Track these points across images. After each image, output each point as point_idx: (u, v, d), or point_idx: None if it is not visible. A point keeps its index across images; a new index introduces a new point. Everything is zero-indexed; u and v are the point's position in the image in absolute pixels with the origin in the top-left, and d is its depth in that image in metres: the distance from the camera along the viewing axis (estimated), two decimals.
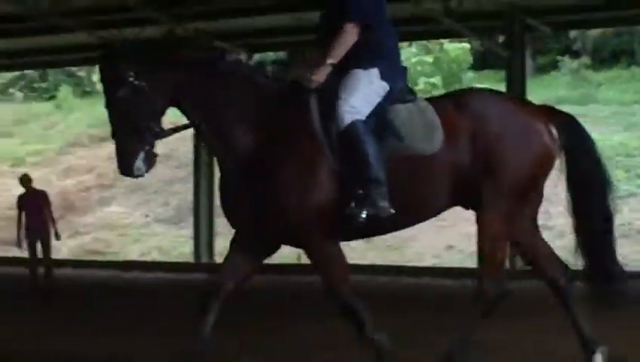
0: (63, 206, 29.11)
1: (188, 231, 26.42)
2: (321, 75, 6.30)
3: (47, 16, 21.17)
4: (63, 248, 24.77)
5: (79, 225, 30.68)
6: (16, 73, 40.34)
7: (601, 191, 6.76)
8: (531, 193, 6.63)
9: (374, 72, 6.32)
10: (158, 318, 11.95)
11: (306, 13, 18.54)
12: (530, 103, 7.47)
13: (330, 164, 6.22)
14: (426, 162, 6.36)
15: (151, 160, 6.38)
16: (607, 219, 6.74)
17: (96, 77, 38.75)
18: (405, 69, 6.70)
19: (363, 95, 6.26)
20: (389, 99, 6.39)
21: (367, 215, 6.08)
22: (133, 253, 29.06)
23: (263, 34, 22.63)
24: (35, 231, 15.35)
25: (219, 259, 20.55)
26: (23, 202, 15.66)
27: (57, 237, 15.66)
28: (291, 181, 6.19)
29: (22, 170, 21.91)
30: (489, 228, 6.48)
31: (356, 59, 6.32)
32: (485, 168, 6.42)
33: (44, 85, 43.51)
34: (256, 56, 24.28)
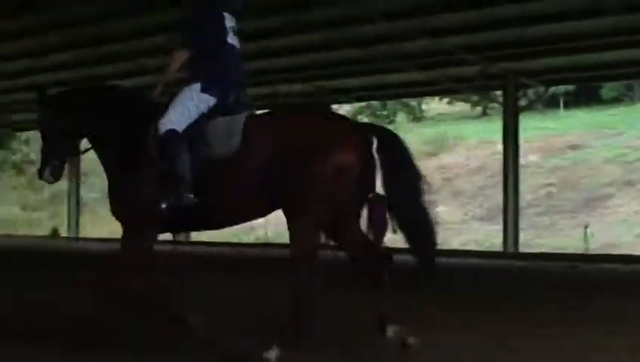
0: None
1: (498, 226, 33.44)
2: (157, 93, 7.77)
3: (386, 59, 28.29)
4: None
5: None
6: (363, 104, 51.37)
7: (418, 192, 7.36)
8: (334, 199, 7.11)
9: (196, 87, 7.35)
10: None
11: None
12: (344, 121, 7.67)
13: (155, 167, 7.36)
14: (225, 164, 7.20)
15: (57, 173, 8.09)
16: (426, 214, 7.39)
17: (425, 106, 57.97)
18: (242, 86, 7.70)
19: (181, 109, 7.33)
20: (213, 110, 7.40)
21: (171, 204, 7.29)
22: (455, 244, 36.78)
23: None
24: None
25: (523, 248, 30.25)
26: None
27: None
28: (125, 181, 7.56)
29: None
30: (293, 232, 7.09)
31: (188, 77, 7.55)
32: (282, 177, 7.07)
33: (384, 113, 57.34)
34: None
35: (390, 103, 57.16)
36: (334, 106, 38.54)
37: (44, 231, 54.06)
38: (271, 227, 44.78)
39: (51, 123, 7.93)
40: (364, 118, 56.62)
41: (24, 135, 59.18)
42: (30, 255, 26.15)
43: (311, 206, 7.04)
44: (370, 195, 7.40)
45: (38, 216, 61.72)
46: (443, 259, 9.26)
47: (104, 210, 58.12)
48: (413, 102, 59.28)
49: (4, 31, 30.95)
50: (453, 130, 54.39)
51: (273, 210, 7.32)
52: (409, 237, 7.29)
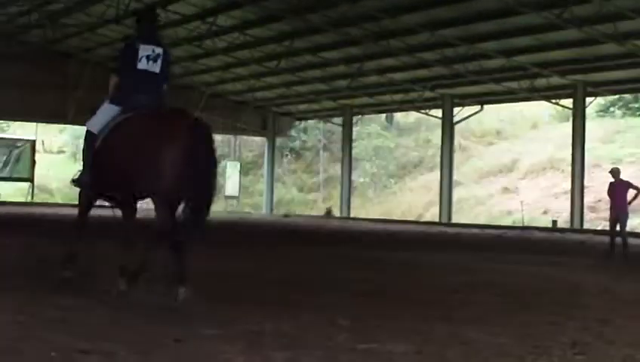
0: None
1: None
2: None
3: None
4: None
5: None
6: (616, 96, 51.85)
7: (208, 173, 8.56)
8: (157, 181, 8.51)
9: (107, 100, 9.38)
10: None
11: None
12: (170, 113, 8.98)
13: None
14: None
15: None
16: (211, 194, 8.61)
17: None
18: (153, 95, 9.29)
19: (97, 115, 9.38)
20: (123, 113, 9.16)
21: (79, 183, 9.58)
22: None
23: None
24: (619, 210, 19.50)
25: None
26: (611, 188, 19.80)
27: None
28: None
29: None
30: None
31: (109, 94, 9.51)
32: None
33: (636, 105, 57.54)
34: None
35: None
36: (589, 99, 39.97)
37: (318, 211, 57.40)
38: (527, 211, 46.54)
39: None
40: (616, 111, 57.69)
41: (302, 123, 63.09)
42: (319, 233, 28.79)
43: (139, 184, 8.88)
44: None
45: (313, 198, 65.22)
46: None
47: (373, 193, 60.86)
48: None
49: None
50: None
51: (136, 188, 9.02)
52: (190, 209, 8.54)
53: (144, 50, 9.39)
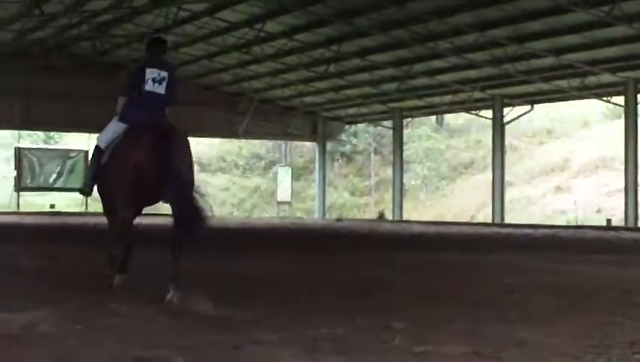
0: None
1: None
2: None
3: None
4: None
5: None
6: None
7: (188, 182, 9.57)
8: (133, 187, 9.73)
9: (115, 118, 10.33)
10: None
11: None
12: (154, 127, 9.83)
13: None
14: None
15: None
16: (190, 198, 9.47)
17: None
18: (157, 113, 10.18)
19: (106, 130, 10.37)
20: (125, 131, 10.09)
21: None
22: None
23: None
24: None
25: None
26: None
27: None
28: None
29: None
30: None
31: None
32: None
33: None
34: None
35: None
36: None
37: (370, 214, 57.37)
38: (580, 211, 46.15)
39: None
40: None
41: (352, 127, 63.12)
42: (371, 236, 28.84)
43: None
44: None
45: (364, 201, 65.20)
46: None
47: (425, 195, 60.78)
48: None
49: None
50: None
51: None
52: (174, 209, 9.55)
53: (150, 73, 10.32)
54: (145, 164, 9.59)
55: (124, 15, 37.07)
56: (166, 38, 11.68)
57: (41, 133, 64.38)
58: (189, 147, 9.85)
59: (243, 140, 63.40)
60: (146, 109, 10.24)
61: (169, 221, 9.51)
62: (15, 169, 50.54)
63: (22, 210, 47.63)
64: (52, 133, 64.03)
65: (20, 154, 50.72)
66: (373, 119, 56.41)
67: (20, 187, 50.22)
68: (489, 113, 45.77)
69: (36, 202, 54.59)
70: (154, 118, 10.17)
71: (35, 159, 51.25)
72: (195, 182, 9.86)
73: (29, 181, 50.63)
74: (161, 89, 10.36)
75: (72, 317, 7.85)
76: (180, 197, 9.49)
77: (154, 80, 10.33)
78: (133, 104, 10.34)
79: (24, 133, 59.72)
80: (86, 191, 10.84)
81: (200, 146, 72.22)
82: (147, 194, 9.86)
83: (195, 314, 8.22)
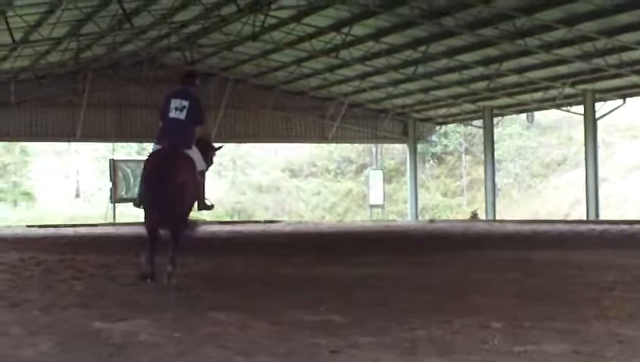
0: None
1: None
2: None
3: None
4: None
5: None
6: None
7: (167, 192, 11.97)
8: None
9: (153, 141, 12.81)
10: None
11: None
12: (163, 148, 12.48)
13: None
14: None
15: None
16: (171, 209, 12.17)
17: None
18: (178, 137, 12.46)
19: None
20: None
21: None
22: None
23: None
24: None
25: None
26: None
27: None
28: None
29: None
30: None
31: None
32: None
33: None
34: None
35: None
36: None
37: (463, 215, 57.06)
38: None
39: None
40: None
41: (443, 128, 62.80)
42: (465, 237, 28.72)
43: None
44: None
45: (457, 202, 64.91)
46: None
47: (518, 193, 60.39)
48: None
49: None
50: None
51: None
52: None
53: (174, 103, 12.69)
54: (148, 179, 12.21)
55: (212, 24, 37.42)
56: (195, 70, 14.80)
57: (134, 145, 65.38)
58: (187, 165, 12.29)
59: (333, 144, 63.53)
60: (170, 132, 12.57)
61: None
62: (110, 181, 51.23)
63: (118, 221, 48.30)
64: (145, 144, 64.89)
65: (114, 166, 51.34)
66: (464, 119, 56.03)
67: (115, 198, 50.88)
68: (580, 109, 45.17)
69: (130, 213, 55.38)
70: (173, 140, 12.45)
71: (129, 171, 51.84)
72: (203, 194, 12.99)
73: (123, 192, 51.24)
74: (182, 115, 12.59)
75: (171, 325, 7.94)
76: (163, 208, 12.08)
77: (176, 108, 12.65)
78: (162, 128, 12.73)
79: (118, 145, 60.62)
80: (136, 204, 12.80)
81: (290, 152, 72.69)
82: (158, 205, 12.13)
83: (291, 320, 8.26)
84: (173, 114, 12.59)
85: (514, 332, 7.35)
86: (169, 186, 11.89)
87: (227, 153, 67.17)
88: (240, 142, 57.65)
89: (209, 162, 13.85)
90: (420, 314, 8.52)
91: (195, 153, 12.73)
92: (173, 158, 12.14)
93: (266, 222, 48.07)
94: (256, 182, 71.78)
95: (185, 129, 12.58)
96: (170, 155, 12.17)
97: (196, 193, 12.67)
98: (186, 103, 12.61)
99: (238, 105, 50.09)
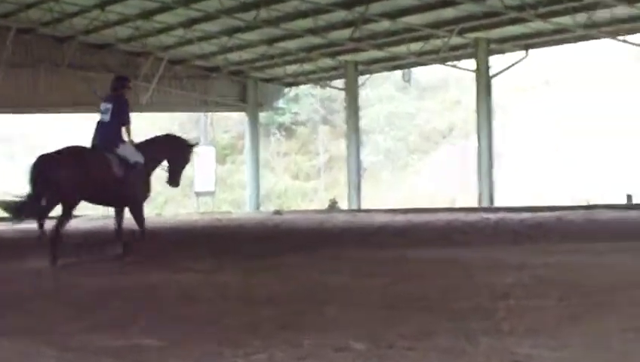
0: None
1: None
2: None
3: None
4: None
5: None
6: None
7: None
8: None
9: None
10: None
11: None
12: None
13: None
14: None
15: None
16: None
17: None
18: (101, 140, 18.20)
19: None
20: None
21: None
22: None
23: None
24: None
25: None
26: None
27: None
28: None
29: None
30: None
31: None
32: None
33: None
34: None
35: None
36: None
37: (320, 204, 57.35)
38: None
39: None
40: None
41: (293, 91, 62.51)
42: (321, 232, 28.73)
43: None
44: None
45: (312, 186, 65.17)
46: None
47: (390, 174, 60.99)
48: None
49: None
50: None
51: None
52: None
53: (102, 106, 18.26)
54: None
55: None
56: (122, 75, 21.72)
57: None
58: (82, 161, 17.61)
59: (148, 113, 63.12)
60: (97, 134, 18.16)
61: None
62: None
63: None
64: None
65: None
66: (320, 78, 56.26)
67: None
68: (471, 63, 45.89)
69: None
70: (101, 140, 18.00)
71: None
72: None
73: None
74: (106, 118, 18.02)
75: None
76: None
77: (102, 112, 18.14)
78: (94, 130, 18.29)
79: None
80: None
81: (90, 122, 71.72)
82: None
83: (88, 345, 8.20)
84: (102, 116, 18.11)
85: (380, 354, 7.42)
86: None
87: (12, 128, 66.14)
88: (24, 112, 56.63)
89: (183, 159, 19.13)
90: (260, 333, 8.55)
91: (125, 149, 17.83)
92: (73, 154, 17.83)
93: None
94: None
95: (109, 130, 18.00)
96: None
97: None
98: (109, 106, 18.03)
99: (23, 62, 49.37)
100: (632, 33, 41.94)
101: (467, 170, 51.94)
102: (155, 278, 14.06)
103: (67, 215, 17.51)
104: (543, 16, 39.64)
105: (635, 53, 49.57)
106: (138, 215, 18.29)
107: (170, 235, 28.54)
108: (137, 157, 17.82)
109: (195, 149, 19.69)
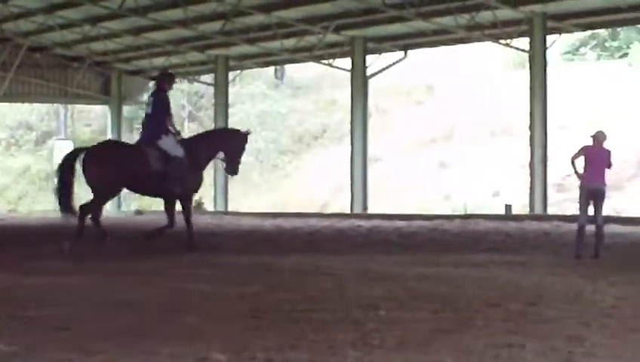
0: None
1: None
2: None
3: None
4: None
5: None
6: (587, 33, 56.25)
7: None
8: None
9: None
10: None
11: None
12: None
13: None
14: None
15: None
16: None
17: None
18: (149, 130, 20.84)
19: None
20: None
21: None
22: None
23: None
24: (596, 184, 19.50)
25: None
26: (588, 154, 19.67)
27: None
28: None
29: None
30: None
31: None
32: None
33: (614, 44, 62.49)
34: None
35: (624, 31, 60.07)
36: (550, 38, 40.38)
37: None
38: None
39: None
40: (588, 52, 59.85)
41: None
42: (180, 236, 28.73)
43: None
44: None
45: None
46: None
47: (260, 176, 60.80)
48: None
49: None
50: None
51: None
52: None
53: (148, 100, 20.94)
54: None
55: None
56: (166, 74, 22.88)
57: None
58: (105, 156, 20.26)
59: (5, 104, 62.43)
60: (145, 125, 20.73)
61: None
62: None
63: None
64: None
65: None
66: (188, 72, 56.10)
67: None
68: (347, 62, 45.96)
69: None
70: (147, 131, 20.37)
71: None
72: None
73: None
74: (149, 110, 20.38)
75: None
76: None
77: (147, 104, 20.98)
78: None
79: None
80: None
81: None
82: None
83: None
84: (147, 109, 20.75)
85: None
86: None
87: None
88: None
89: (241, 148, 21.82)
90: (117, 341, 8.54)
91: (166, 143, 19.85)
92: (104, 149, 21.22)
93: None
94: None
95: (152, 122, 20.28)
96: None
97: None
98: (151, 99, 20.48)
99: None
100: (514, 37, 42.18)
101: (341, 174, 52.01)
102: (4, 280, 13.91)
103: (99, 205, 20.86)
104: (424, 16, 39.80)
105: (517, 57, 50.00)
106: (186, 209, 21.44)
107: (21, 234, 28.20)
108: (177, 151, 19.92)
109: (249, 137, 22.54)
